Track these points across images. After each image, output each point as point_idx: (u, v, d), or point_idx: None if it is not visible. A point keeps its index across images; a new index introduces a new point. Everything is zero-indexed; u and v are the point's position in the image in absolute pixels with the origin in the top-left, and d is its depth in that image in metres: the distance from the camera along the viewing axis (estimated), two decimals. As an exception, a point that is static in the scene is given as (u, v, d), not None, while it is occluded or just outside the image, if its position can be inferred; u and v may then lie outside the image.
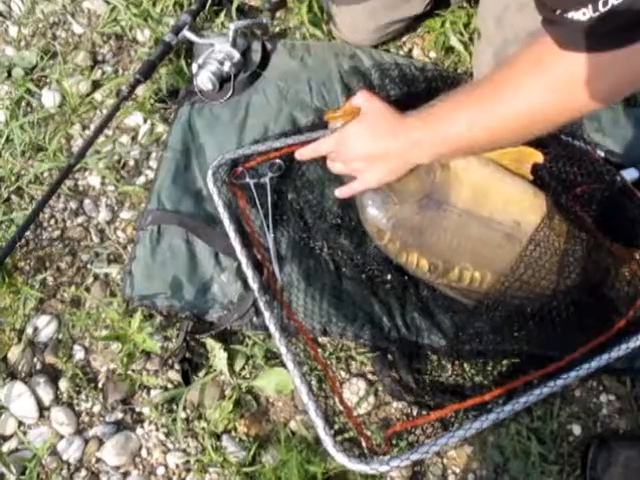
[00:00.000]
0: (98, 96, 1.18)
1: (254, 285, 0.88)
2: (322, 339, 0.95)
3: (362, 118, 0.83)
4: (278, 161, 1.00)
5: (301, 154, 0.90)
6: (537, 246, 0.89)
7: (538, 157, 0.96)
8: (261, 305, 0.86)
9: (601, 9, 0.56)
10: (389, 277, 0.97)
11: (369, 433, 0.88)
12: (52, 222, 1.08)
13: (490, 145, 0.80)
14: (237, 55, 1.10)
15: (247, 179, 0.98)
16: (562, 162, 1.03)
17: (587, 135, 1.15)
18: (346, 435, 0.89)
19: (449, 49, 1.22)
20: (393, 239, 0.90)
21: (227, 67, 1.08)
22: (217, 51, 1.10)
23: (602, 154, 1.12)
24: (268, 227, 0.94)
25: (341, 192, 0.89)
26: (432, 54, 1.24)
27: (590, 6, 0.56)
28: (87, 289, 1.02)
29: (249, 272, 0.89)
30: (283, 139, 1.01)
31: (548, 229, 0.89)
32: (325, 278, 0.96)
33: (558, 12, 0.59)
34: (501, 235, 0.90)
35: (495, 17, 1.05)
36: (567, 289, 0.93)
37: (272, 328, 0.85)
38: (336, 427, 0.89)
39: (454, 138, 0.77)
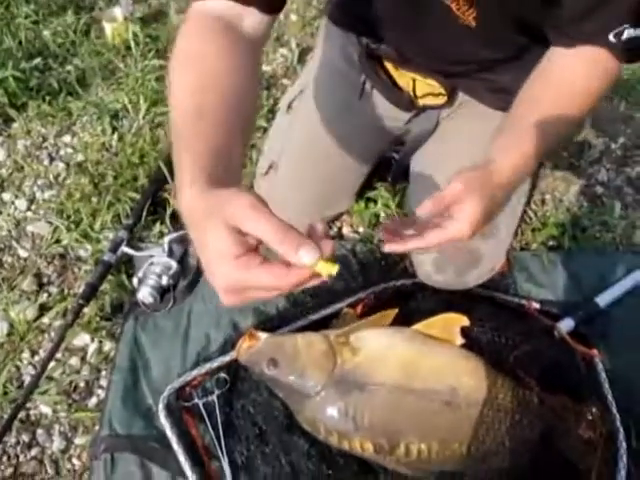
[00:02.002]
0: (46, 319, 1.21)
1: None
2: None
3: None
4: (223, 375, 1.03)
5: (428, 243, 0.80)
6: (488, 428, 0.90)
7: (463, 321, 1.00)
8: None
9: None
10: (347, 471, 0.97)
11: None
12: (4, 459, 1.06)
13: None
14: (174, 265, 1.15)
15: (196, 399, 1.01)
16: (498, 326, 1.08)
17: (520, 287, 1.20)
18: None
19: (377, 223, 1.29)
20: (329, 431, 0.91)
21: (165, 280, 1.13)
22: (155, 263, 1.16)
23: (538, 306, 1.16)
24: (222, 450, 0.95)
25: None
26: (360, 229, 1.31)
27: None
28: (43, 532, 0.99)
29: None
30: (222, 358, 1.04)
31: (492, 409, 0.91)
32: (283, 485, 0.96)
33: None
34: (439, 403, 0.91)
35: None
36: (522, 454, 0.94)
37: None
38: None
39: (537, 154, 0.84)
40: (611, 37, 0.76)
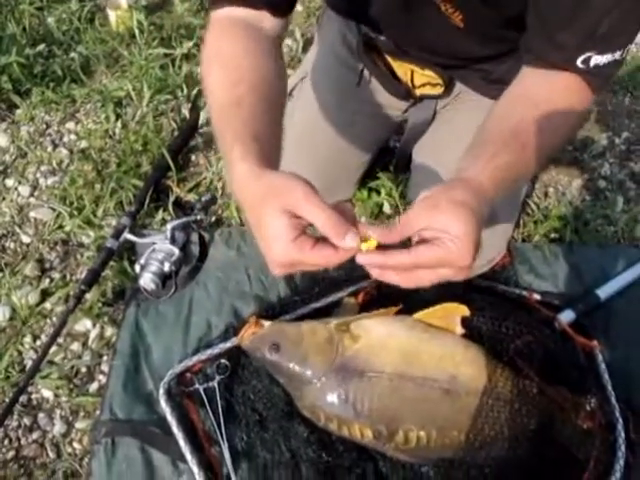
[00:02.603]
0: (48, 305, 1.21)
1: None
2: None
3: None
4: (223, 361, 1.03)
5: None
6: (487, 416, 0.91)
7: (464, 311, 1.00)
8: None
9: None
10: (346, 458, 0.97)
11: None
12: (6, 442, 1.07)
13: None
14: (176, 252, 1.15)
15: (196, 385, 1.01)
16: (498, 316, 1.08)
17: (521, 279, 1.20)
18: None
19: (379, 213, 1.29)
20: (329, 417, 0.91)
21: (167, 267, 1.13)
22: (157, 250, 1.16)
23: (538, 297, 1.16)
24: (222, 436, 0.95)
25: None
26: (363, 219, 1.31)
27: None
28: (44, 513, 1.00)
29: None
30: (223, 344, 1.04)
31: (491, 398, 0.92)
32: (282, 469, 0.96)
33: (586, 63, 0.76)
34: (439, 392, 0.92)
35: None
36: (521, 443, 0.94)
37: None
38: None
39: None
40: (579, 63, 0.76)
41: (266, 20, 0.84)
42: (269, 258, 0.67)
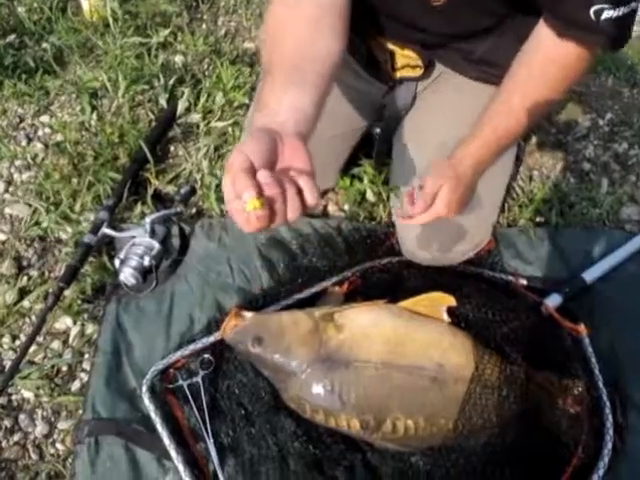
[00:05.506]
0: (26, 303, 1.18)
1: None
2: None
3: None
4: (207, 356, 1.01)
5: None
6: (475, 403, 0.90)
7: (450, 300, 1.00)
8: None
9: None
10: (334, 450, 0.96)
11: None
12: (-14, 446, 1.05)
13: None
14: (157, 246, 1.12)
15: (180, 381, 0.99)
16: (485, 302, 1.07)
17: (506, 264, 1.19)
18: None
19: (362, 200, 1.28)
20: (315, 409, 0.91)
21: (147, 261, 1.10)
22: (137, 244, 1.13)
23: (525, 282, 1.15)
24: (208, 432, 0.94)
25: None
26: (346, 207, 1.30)
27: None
28: (28, 517, 0.98)
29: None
30: (206, 338, 1.02)
31: (479, 385, 0.91)
32: (269, 464, 0.94)
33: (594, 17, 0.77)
34: (426, 380, 0.92)
35: (420, 176, 1.10)
36: (509, 429, 0.94)
37: None
38: None
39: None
40: (591, 13, 0.76)
41: None
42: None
